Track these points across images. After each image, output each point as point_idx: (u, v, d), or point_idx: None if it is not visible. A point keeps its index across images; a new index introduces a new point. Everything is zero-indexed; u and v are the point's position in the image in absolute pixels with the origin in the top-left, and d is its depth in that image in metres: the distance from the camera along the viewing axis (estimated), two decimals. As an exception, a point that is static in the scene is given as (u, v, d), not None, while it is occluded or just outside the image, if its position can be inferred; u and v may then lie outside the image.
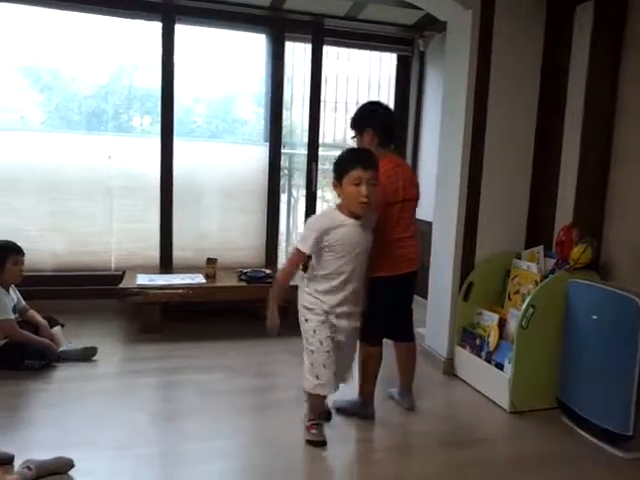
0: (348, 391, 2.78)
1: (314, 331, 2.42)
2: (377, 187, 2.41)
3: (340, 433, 2.66)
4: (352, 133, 2.82)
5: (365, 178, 2.31)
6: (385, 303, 2.69)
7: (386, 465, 2.42)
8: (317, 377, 2.40)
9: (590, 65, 3.06)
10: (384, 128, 2.72)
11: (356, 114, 2.82)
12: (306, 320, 2.46)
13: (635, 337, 2.42)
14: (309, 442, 2.48)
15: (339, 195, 2.42)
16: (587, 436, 2.67)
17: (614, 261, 2.97)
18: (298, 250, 2.42)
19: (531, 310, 2.84)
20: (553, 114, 3.32)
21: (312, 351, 2.42)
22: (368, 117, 2.77)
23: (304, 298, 2.49)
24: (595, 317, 2.64)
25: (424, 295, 3.80)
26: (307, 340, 2.45)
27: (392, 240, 2.66)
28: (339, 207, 2.44)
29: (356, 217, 2.39)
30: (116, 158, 4.41)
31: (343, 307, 2.44)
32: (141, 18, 4.35)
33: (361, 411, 2.78)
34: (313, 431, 2.50)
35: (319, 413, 2.58)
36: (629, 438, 2.48)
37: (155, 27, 4.34)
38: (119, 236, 4.48)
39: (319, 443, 2.47)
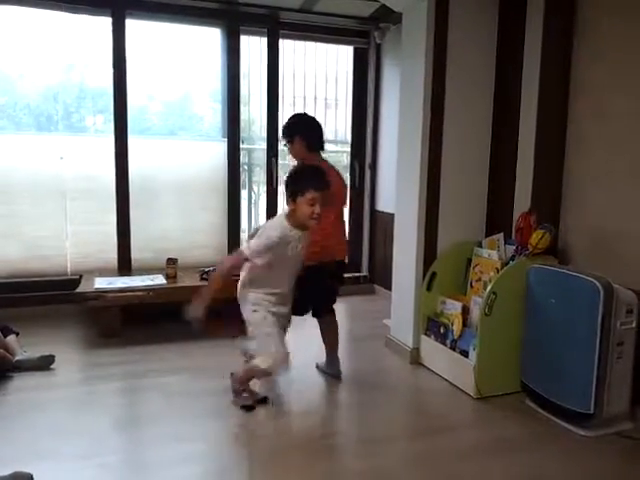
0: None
1: (264, 317, 2.62)
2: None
3: (306, 429, 2.65)
4: (283, 141, 3.16)
5: (318, 199, 2.50)
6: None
7: (354, 457, 2.41)
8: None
9: (543, 52, 3.11)
10: (312, 135, 3.08)
11: (286, 124, 3.17)
12: (254, 312, 2.64)
13: (594, 319, 2.48)
14: (243, 407, 2.73)
15: (291, 209, 2.57)
16: (551, 417, 2.73)
17: (572, 246, 3.04)
18: (242, 252, 2.58)
19: (493, 297, 2.87)
20: (509, 103, 3.37)
21: (268, 334, 2.60)
22: (297, 125, 3.12)
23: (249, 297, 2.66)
24: (554, 301, 2.69)
25: (388, 287, 3.81)
26: (257, 326, 2.62)
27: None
28: (288, 218, 2.58)
29: (303, 229, 2.59)
30: (69, 159, 4.27)
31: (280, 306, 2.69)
32: (90, 13, 4.21)
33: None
34: (245, 395, 2.78)
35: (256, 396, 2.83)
36: (590, 416, 2.54)
37: (105, 22, 4.22)
38: (75, 239, 4.35)
39: (250, 407, 2.73)
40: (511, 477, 2.26)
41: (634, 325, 2.56)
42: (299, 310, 2.93)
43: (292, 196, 2.54)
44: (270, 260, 2.55)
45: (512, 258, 3.09)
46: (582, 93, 2.95)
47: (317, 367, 3.32)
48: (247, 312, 2.68)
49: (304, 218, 2.53)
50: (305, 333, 3.27)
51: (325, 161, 3.12)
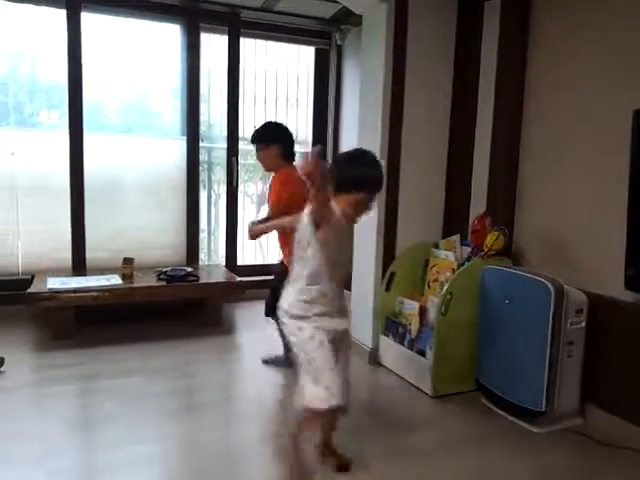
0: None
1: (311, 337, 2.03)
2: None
3: (260, 430, 2.64)
4: (257, 147, 3.13)
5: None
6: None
7: (311, 457, 2.41)
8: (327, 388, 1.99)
9: (500, 54, 3.19)
10: (289, 144, 3.14)
11: (265, 129, 3.19)
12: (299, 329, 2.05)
13: (546, 319, 2.55)
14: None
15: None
16: (505, 415, 2.79)
17: (525, 247, 3.12)
18: None
19: (449, 297, 2.92)
20: (466, 107, 3.44)
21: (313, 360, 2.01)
22: (277, 133, 3.15)
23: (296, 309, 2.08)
24: (508, 301, 2.75)
25: (348, 287, 3.83)
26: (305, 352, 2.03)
27: None
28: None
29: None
30: (20, 155, 4.12)
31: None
32: (44, 4, 4.08)
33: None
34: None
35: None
36: (542, 414, 2.62)
37: (59, 14, 4.09)
38: (26, 238, 4.20)
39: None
40: (466, 474, 2.31)
41: (583, 325, 2.65)
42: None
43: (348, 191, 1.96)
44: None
45: (468, 259, 3.15)
46: (535, 96, 3.04)
47: (265, 362, 3.36)
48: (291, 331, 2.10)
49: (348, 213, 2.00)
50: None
51: (295, 169, 3.04)
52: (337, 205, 1.97)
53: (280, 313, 2.13)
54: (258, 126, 3.26)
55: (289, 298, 2.09)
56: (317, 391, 1.97)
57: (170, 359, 3.42)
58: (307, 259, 2.01)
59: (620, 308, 2.58)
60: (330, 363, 2.00)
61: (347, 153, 2.11)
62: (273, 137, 3.12)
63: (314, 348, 2.00)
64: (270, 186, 3.21)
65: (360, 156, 2.06)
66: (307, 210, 1.96)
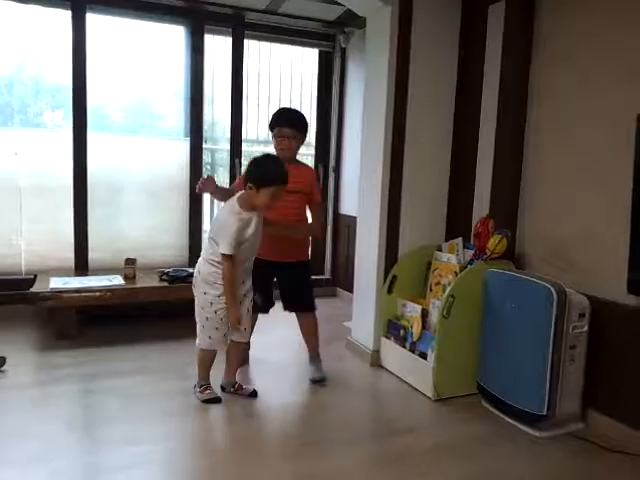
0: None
1: (210, 303, 2.71)
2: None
3: (264, 430, 2.64)
4: (290, 132, 3.01)
5: (280, 192, 2.64)
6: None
7: (315, 457, 2.41)
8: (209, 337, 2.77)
9: (503, 59, 3.19)
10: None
11: (303, 119, 3.11)
12: (204, 293, 2.73)
13: (547, 323, 2.55)
14: (206, 401, 2.81)
15: (250, 194, 2.64)
16: (506, 418, 2.79)
17: (528, 250, 3.12)
18: (227, 256, 2.63)
19: (451, 300, 2.92)
20: (471, 108, 3.43)
21: (207, 318, 2.73)
22: (306, 125, 3.11)
23: (209, 276, 2.71)
24: (511, 304, 2.75)
25: (350, 289, 3.83)
26: (203, 308, 2.74)
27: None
28: (240, 202, 2.65)
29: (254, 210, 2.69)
30: (24, 154, 4.14)
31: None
32: (49, 5, 4.10)
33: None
34: (207, 391, 2.84)
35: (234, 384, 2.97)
36: (544, 418, 2.61)
37: (64, 15, 4.11)
38: (30, 238, 4.21)
39: (216, 400, 2.82)
40: (466, 477, 2.30)
41: (586, 329, 2.64)
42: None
43: (256, 184, 2.60)
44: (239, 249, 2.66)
45: (470, 262, 3.14)
46: (539, 98, 3.03)
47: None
48: (198, 289, 2.78)
49: (260, 207, 2.65)
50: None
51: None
52: (257, 199, 2.62)
53: None
54: (285, 109, 3.23)
55: None
56: None
57: (171, 360, 3.42)
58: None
59: (623, 312, 2.57)
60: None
61: (258, 160, 2.73)
62: (306, 127, 3.11)
63: None
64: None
65: (269, 160, 2.76)
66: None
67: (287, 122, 3.03)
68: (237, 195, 2.70)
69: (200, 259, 2.81)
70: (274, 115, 3.14)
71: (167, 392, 2.96)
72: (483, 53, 3.34)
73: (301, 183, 3.00)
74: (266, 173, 2.63)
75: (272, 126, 3.09)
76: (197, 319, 2.79)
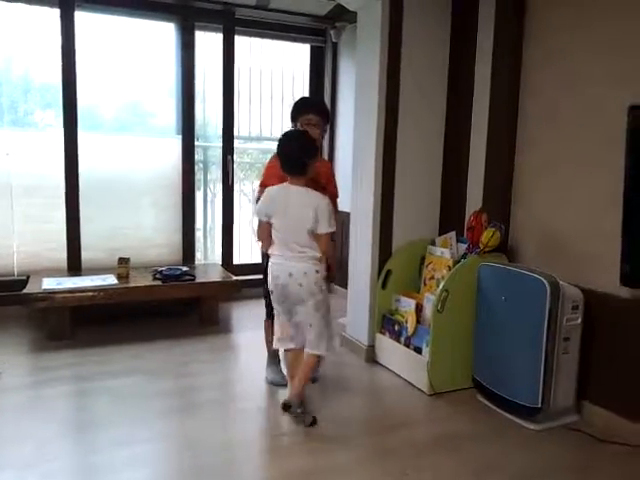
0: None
1: (323, 301, 2.64)
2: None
3: (259, 427, 2.64)
4: (316, 119, 2.91)
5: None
6: None
7: (311, 454, 2.41)
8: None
9: (495, 51, 3.18)
10: None
11: (326, 106, 3.16)
12: (315, 301, 2.61)
13: (541, 315, 2.55)
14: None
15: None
16: (501, 411, 2.79)
17: (521, 244, 3.12)
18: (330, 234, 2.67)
19: (445, 294, 2.92)
20: (462, 103, 3.42)
21: (324, 319, 2.65)
22: (329, 112, 3.10)
23: (314, 286, 2.60)
24: (504, 297, 2.75)
25: (345, 285, 3.82)
26: (318, 311, 2.62)
27: None
28: (305, 183, 2.63)
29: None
30: (15, 155, 4.11)
31: None
32: (37, 4, 4.06)
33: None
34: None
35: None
36: (538, 410, 2.61)
37: (53, 13, 4.07)
38: (22, 238, 4.18)
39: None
40: (462, 470, 2.30)
41: (579, 321, 2.64)
42: None
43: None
44: None
45: (464, 256, 3.14)
46: (531, 92, 3.03)
47: None
48: (315, 287, 2.60)
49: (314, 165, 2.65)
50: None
51: None
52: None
53: None
54: (307, 97, 3.23)
55: None
56: None
57: (166, 359, 3.41)
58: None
59: (616, 304, 2.57)
60: None
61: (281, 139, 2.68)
62: (329, 114, 3.07)
63: None
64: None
65: (286, 136, 2.71)
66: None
67: (314, 109, 2.94)
68: (295, 184, 2.61)
69: (286, 275, 2.58)
70: (297, 104, 3.01)
71: (162, 392, 2.95)
72: (475, 45, 3.32)
73: (317, 174, 2.85)
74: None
75: (295, 115, 2.95)
76: (313, 331, 2.60)
